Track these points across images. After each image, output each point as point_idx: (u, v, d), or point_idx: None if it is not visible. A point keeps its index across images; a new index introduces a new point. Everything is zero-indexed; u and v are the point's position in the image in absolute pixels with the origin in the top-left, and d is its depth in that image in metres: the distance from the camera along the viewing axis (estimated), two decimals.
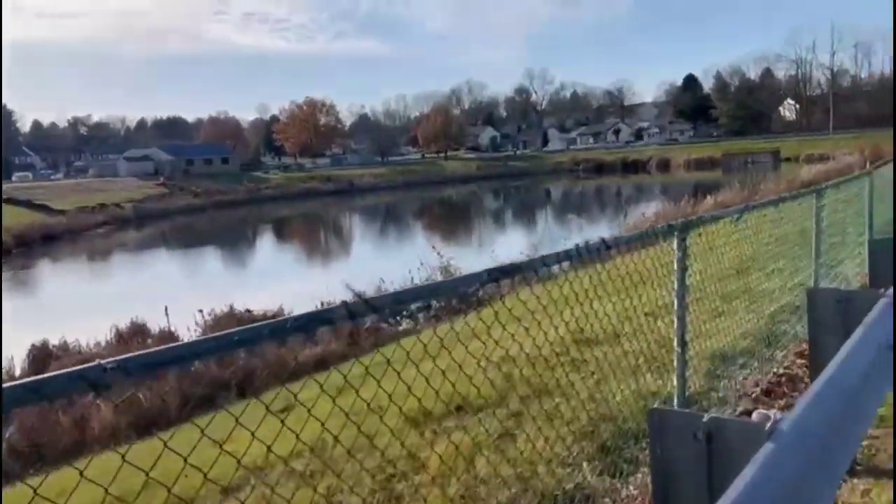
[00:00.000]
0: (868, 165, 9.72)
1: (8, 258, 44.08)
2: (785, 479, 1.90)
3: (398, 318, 16.22)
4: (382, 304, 1.96)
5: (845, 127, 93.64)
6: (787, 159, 78.37)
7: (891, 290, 3.63)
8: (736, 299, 6.32)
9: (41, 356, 15.41)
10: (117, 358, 1.37)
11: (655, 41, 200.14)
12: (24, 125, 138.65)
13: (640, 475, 3.78)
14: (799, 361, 5.50)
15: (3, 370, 15.27)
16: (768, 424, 1.97)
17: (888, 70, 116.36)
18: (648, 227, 4.04)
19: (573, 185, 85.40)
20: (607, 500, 3.65)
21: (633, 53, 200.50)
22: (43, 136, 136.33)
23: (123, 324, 17.17)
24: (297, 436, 2.51)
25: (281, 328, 1.70)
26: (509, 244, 33.65)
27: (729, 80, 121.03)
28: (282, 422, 2.36)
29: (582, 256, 2.87)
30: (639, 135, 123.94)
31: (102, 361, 1.38)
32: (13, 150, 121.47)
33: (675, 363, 3.88)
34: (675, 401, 3.95)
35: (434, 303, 17.18)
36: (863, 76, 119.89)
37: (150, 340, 15.28)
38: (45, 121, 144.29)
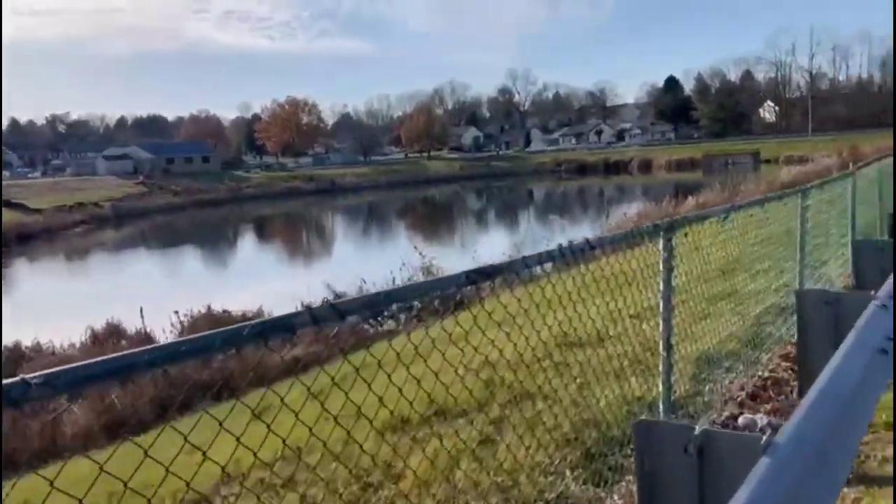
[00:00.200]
0: (851, 166, 9.70)
1: None
2: (784, 495, 1.77)
3: (379, 318, 16.07)
4: (351, 308, 1.81)
5: (823, 129, 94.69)
6: (767, 161, 79.04)
7: (881, 293, 3.53)
8: (721, 301, 6.23)
9: (14, 357, 15.06)
10: (44, 373, 1.21)
11: (637, 43, 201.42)
12: (1, 123, 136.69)
13: (624, 483, 3.65)
14: (784, 364, 5.41)
15: None
16: (764, 438, 1.84)
17: (865, 73, 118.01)
18: (633, 226, 3.92)
19: (556, 185, 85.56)
20: None
21: (615, 55, 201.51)
22: (20, 134, 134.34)
23: (98, 325, 16.87)
24: (252, 453, 2.36)
25: (235, 337, 1.54)
26: (492, 244, 33.57)
27: (709, 81, 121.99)
28: (268, 426, 2.23)
29: (565, 257, 2.74)
30: (621, 136, 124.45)
31: (27, 376, 1.22)
32: None
33: (660, 368, 3.76)
34: (661, 406, 3.83)
35: (417, 303, 17.05)
36: (841, 79, 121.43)
37: (124, 342, 14.99)
38: (23, 118, 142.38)
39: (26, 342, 15.94)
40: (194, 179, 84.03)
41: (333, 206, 74.00)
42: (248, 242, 52.19)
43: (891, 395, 3.75)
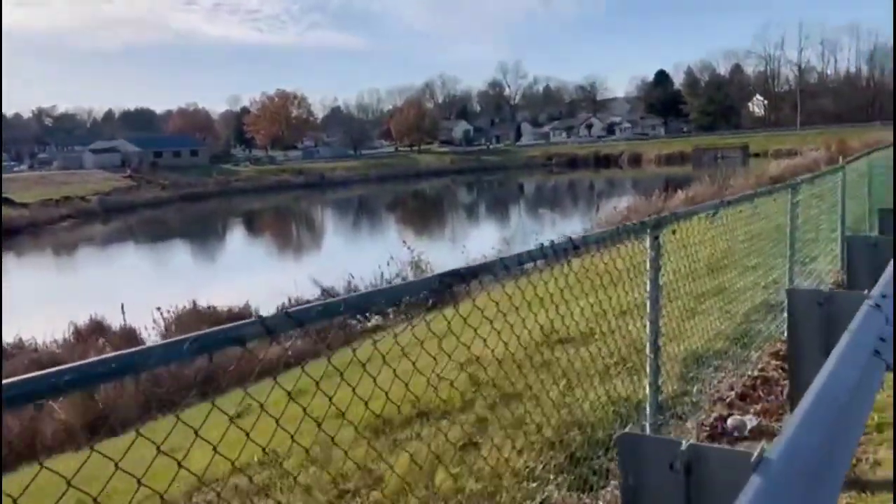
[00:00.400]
0: (841, 160, 9.61)
1: None
2: None
3: (367, 315, 15.89)
4: (308, 317, 1.67)
5: (812, 123, 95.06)
6: (756, 154, 79.24)
7: (874, 292, 3.42)
8: (710, 298, 6.12)
9: None
10: None
11: (627, 37, 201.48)
12: (1, 120, 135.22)
13: (609, 489, 3.53)
14: (774, 363, 5.31)
15: None
16: (754, 455, 1.72)
17: (854, 67, 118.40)
18: (621, 221, 3.78)
19: (546, 179, 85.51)
20: None
21: (605, 49, 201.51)
22: (6, 128, 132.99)
23: (82, 321, 16.64)
24: (229, 461, 2.22)
25: (173, 352, 1.40)
26: (482, 238, 33.47)
27: (699, 75, 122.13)
28: (246, 434, 2.11)
29: (547, 257, 2.61)
30: (611, 129, 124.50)
31: None
32: None
33: (647, 370, 3.64)
34: (648, 409, 3.71)
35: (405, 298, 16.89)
36: (829, 73, 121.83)
37: (101, 340, 14.77)
38: (9, 112, 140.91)
39: (8, 339, 15.70)
40: (182, 173, 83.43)
41: (323, 199, 73.66)
42: (236, 237, 51.86)
43: (881, 396, 3.65)
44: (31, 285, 32.78)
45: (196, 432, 1.87)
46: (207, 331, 1.47)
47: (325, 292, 17.48)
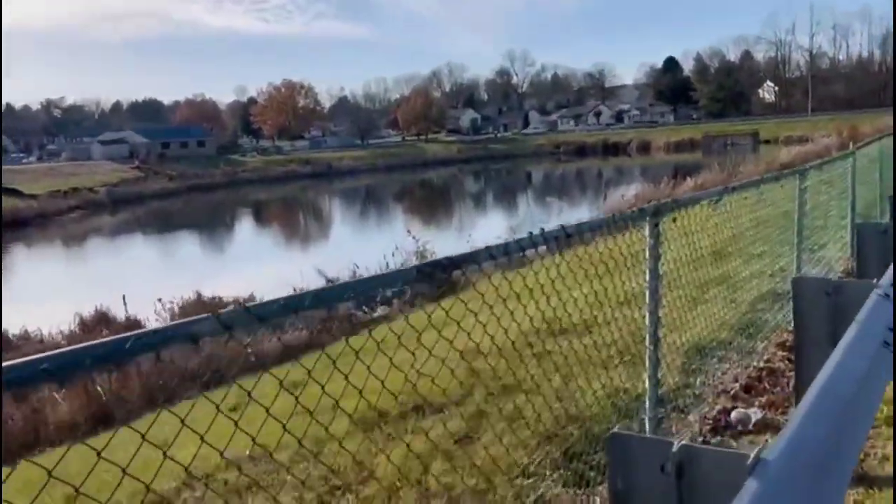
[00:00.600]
0: (851, 145, 9.42)
1: None
2: None
3: (371, 304, 15.80)
4: (270, 312, 1.55)
5: (823, 109, 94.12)
6: (767, 141, 78.55)
7: (883, 281, 3.28)
8: (715, 287, 5.97)
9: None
10: None
11: (636, 23, 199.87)
12: (1, 114, 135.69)
13: (606, 485, 3.41)
14: (780, 353, 5.17)
15: None
16: (751, 457, 1.59)
17: (866, 52, 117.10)
18: (628, 209, 3.63)
19: (554, 167, 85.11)
20: None
21: (614, 35, 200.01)
22: (15, 119, 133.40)
23: (88, 312, 16.63)
24: (217, 453, 2.12)
25: (115, 352, 1.28)
26: (489, 227, 33.32)
27: (708, 61, 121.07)
28: (235, 423, 2.04)
29: (537, 245, 2.48)
30: (619, 117, 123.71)
31: None
32: None
33: (646, 363, 3.51)
34: (647, 403, 3.58)
35: (408, 288, 16.80)
36: (841, 58, 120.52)
37: (105, 332, 14.75)
38: (18, 104, 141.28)
39: (14, 330, 15.70)
40: (190, 164, 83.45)
41: (330, 189, 73.56)
42: (244, 227, 51.87)
43: (891, 388, 3.52)
44: (39, 276, 32.89)
45: (182, 421, 1.84)
46: (155, 328, 1.36)
47: (330, 282, 17.42)
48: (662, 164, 66.63)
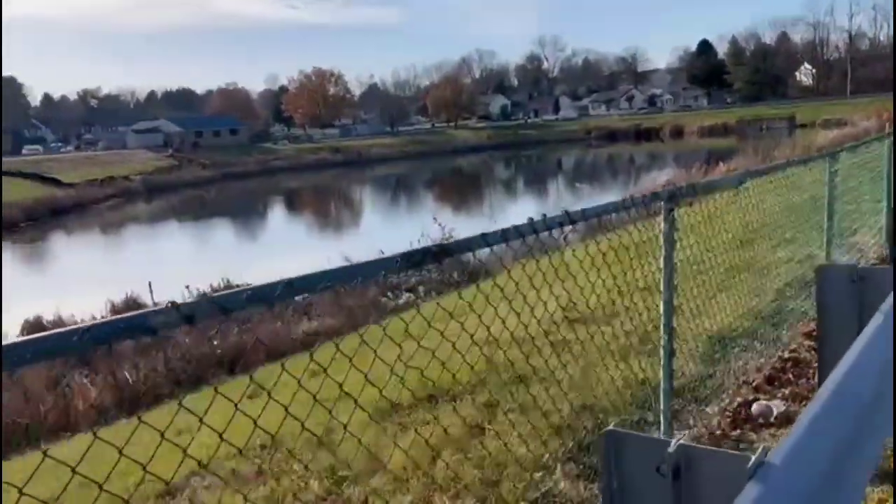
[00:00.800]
0: (888, 127, 9.08)
1: (17, 232, 44.03)
2: None
3: (397, 291, 15.80)
4: (236, 302, 1.48)
5: (863, 91, 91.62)
6: (803, 125, 76.72)
7: None
8: (740, 273, 5.78)
9: (34, 331, 15.16)
10: None
11: (669, 6, 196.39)
12: (35, 99, 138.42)
13: (601, 483, 3.30)
14: (807, 343, 4.98)
15: None
16: (752, 460, 1.48)
17: None
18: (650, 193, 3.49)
19: (585, 153, 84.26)
20: None
21: (646, 19, 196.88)
22: (53, 109, 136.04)
23: (119, 298, 16.89)
24: (224, 441, 2.07)
25: (60, 346, 1.22)
26: (518, 213, 33.05)
27: (744, 44, 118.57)
28: (238, 408, 2.01)
29: (538, 232, 2.37)
30: (652, 102, 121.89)
31: None
32: (23, 124, 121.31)
33: (661, 355, 3.38)
34: (661, 395, 3.46)
35: (435, 274, 16.71)
36: (881, 39, 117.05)
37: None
38: (56, 94, 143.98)
39: (48, 316, 16.02)
40: (223, 152, 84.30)
41: (360, 177, 73.75)
42: (276, 215, 52.31)
43: None
44: (77, 263, 33.55)
45: (180, 405, 1.86)
46: (107, 319, 1.29)
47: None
48: (696, 149, 65.53)
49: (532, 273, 2.96)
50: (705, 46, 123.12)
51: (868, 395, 2.00)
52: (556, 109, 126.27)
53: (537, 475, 3.36)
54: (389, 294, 15.59)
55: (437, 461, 3.50)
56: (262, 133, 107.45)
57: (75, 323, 12.41)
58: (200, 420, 1.89)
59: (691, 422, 3.88)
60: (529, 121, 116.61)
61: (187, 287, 13.34)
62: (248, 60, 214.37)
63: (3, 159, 74.76)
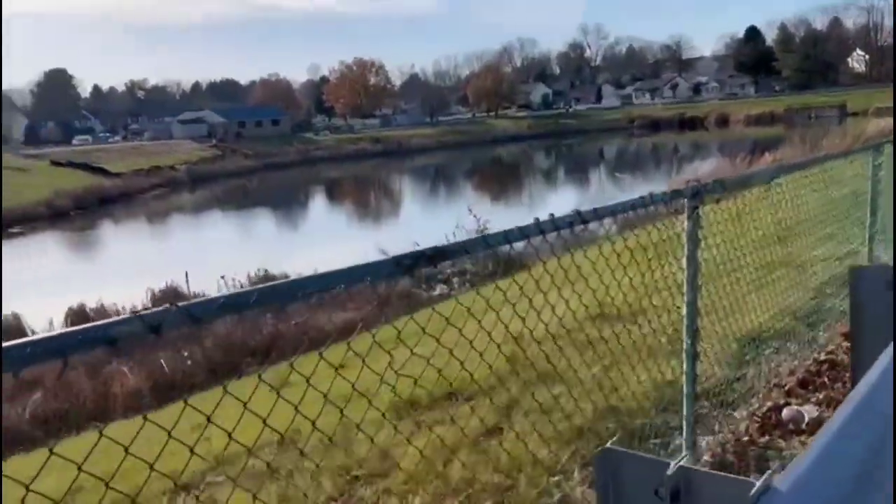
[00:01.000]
0: None
1: (67, 220, 45.27)
2: None
3: (431, 282, 15.76)
4: (207, 311, 1.41)
5: None
6: (855, 114, 74.31)
7: None
8: (776, 270, 5.57)
9: (77, 320, 15.54)
10: None
11: None
12: (85, 90, 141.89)
13: None
14: (844, 344, 4.76)
15: (40, 331, 15.45)
16: (755, 486, 1.37)
17: None
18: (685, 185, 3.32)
19: (627, 142, 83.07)
20: None
21: (692, 6, 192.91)
22: (102, 101, 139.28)
23: (160, 287, 17.17)
24: (248, 436, 2.04)
25: (16, 355, 1.16)
26: (556, 204, 32.75)
27: (794, 30, 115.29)
28: (241, 407, 2.00)
29: (545, 233, 2.27)
30: (697, 90, 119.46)
31: None
32: (74, 115, 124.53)
33: (683, 361, 3.24)
34: (684, 401, 3.32)
35: (470, 266, 16.64)
36: None
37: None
38: (105, 86, 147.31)
39: (91, 304, 16.36)
40: (265, 143, 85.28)
41: (400, 167, 73.89)
42: (317, 205, 52.78)
43: None
44: (123, 252, 34.29)
45: (185, 403, 1.83)
46: (66, 330, 1.24)
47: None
48: (741, 138, 64.02)
49: (565, 267, 2.85)
50: (753, 33, 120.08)
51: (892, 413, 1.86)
52: (599, 98, 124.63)
53: (553, 479, 3.27)
54: (423, 285, 15.57)
55: (450, 463, 3.43)
56: (304, 123, 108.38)
57: (117, 312, 12.70)
58: (208, 419, 1.87)
59: (717, 427, 3.74)
60: (571, 110, 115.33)
61: (222, 277, 13.48)
62: (290, 51, 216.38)
63: (55, 149, 76.97)
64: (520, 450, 3.36)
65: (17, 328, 15.48)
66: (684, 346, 3.20)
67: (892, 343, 2.14)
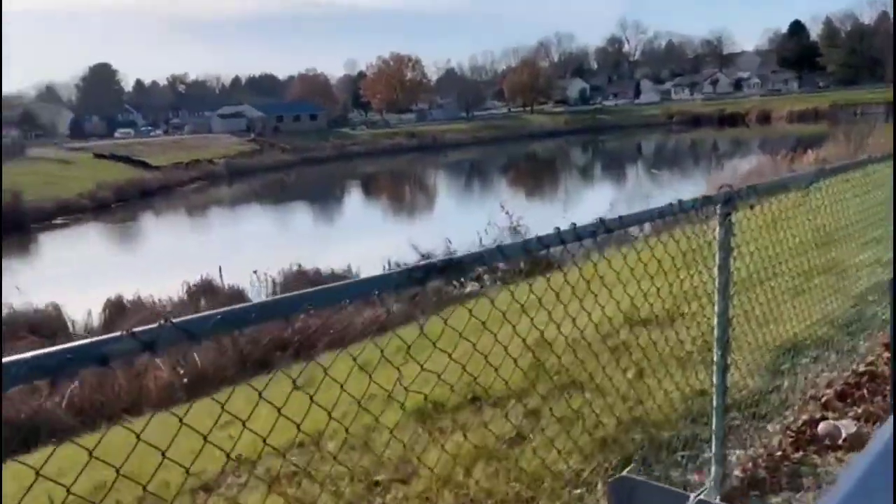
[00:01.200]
0: None
1: (108, 212, 46.23)
2: None
3: (462, 280, 15.69)
4: (204, 329, 1.36)
5: None
6: None
7: None
8: (817, 276, 5.38)
9: (115, 312, 15.79)
10: None
11: None
12: (128, 85, 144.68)
13: None
14: (886, 355, 4.57)
15: (80, 323, 15.75)
16: None
17: None
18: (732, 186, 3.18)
19: (666, 138, 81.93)
20: None
21: (733, 1, 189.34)
22: (144, 95, 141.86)
23: (194, 281, 17.37)
24: (269, 436, 2.01)
25: (16, 373, 1.12)
26: (592, 202, 32.51)
27: (840, 25, 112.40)
28: (278, 410, 1.99)
29: (566, 242, 2.18)
30: (738, 85, 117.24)
31: None
32: (117, 109, 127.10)
33: (713, 373, 3.12)
34: (713, 415, 3.20)
35: (502, 265, 16.54)
36: None
37: (202, 301, 15.34)
38: (147, 80, 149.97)
39: (128, 296, 16.59)
40: (302, 137, 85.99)
41: (435, 162, 73.90)
42: (353, 199, 53.09)
43: None
44: (163, 244, 34.89)
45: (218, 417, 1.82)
46: (57, 348, 1.20)
47: (424, 258, 17.38)
48: (783, 135, 62.74)
49: (588, 277, 2.76)
50: (797, 27, 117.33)
51: None
52: (637, 93, 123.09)
53: (576, 492, 3.18)
54: (454, 283, 15.51)
55: (471, 472, 3.37)
56: (341, 118, 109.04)
57: (153, 304, 12.81)
58: (243, 423, 1.85)
59: (748, 440, 3.60)
60: (608, 105, 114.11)
61: (255, 272, 13.59)
62: (328, 46, 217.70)
63: (98, 143, 78.63)
64: (542, 460, 3.28)
65: (59, 319, 15.82)
66: (715, 358, 3.09)
67: None
